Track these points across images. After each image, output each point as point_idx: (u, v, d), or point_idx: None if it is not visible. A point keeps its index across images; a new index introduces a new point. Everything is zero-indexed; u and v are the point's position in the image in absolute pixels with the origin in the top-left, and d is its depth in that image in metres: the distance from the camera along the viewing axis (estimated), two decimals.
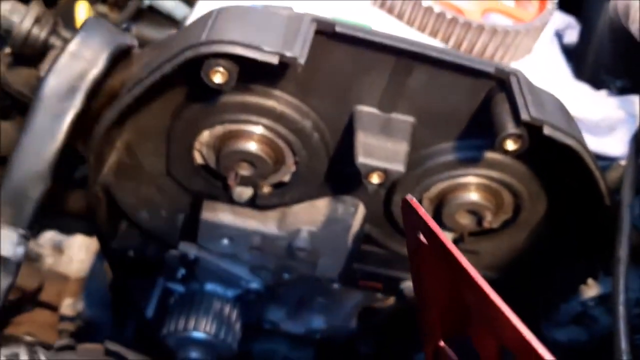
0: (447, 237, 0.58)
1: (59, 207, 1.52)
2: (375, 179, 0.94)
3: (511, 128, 0.85)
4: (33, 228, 0.87)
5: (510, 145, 0.86)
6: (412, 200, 0.65)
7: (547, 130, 0.85)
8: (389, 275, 1.34)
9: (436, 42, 1.17)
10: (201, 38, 0.81)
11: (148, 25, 1.51)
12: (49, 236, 1.53)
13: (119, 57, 0.99)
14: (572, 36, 1.86)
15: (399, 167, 0.93)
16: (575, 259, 1.14)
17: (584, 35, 1.82)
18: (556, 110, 0.92)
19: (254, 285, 1.48)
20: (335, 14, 1.11)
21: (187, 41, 0.82)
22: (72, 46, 0.87)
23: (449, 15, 1.13)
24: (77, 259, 1.51)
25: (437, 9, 1.14)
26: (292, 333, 1.74)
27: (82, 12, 0.99)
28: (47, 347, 1.10)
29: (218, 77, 0.82)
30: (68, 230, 1.62)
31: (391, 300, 1.55)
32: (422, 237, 0.64)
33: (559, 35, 1.72)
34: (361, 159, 0.92)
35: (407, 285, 1.36)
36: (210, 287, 1.52)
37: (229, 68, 0.81)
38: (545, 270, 1.20)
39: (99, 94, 0.99)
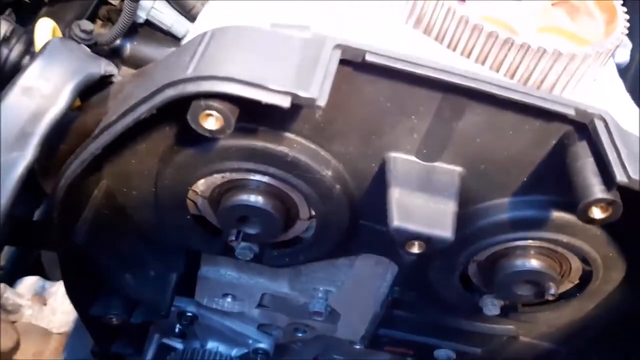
0: None
1: (39, 244, 1.34)
2: (414, 248, 0.73)
3: (600, 192, 0.63)
4: None
5: (598, 213, 0.65)
6: None
7: None
8: (421, 342, 1.13)
9: (485, 70, 0.96)
10: (187, 72, 0.61)
11: (145, 43, 1.32)
12: (30, 282, 1.35)
13: (94, 88, 0.79)
14: (623, 55, 1.64)
15: (446, 233, 0.72)
16: None
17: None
18: None
19: (263, 345, 1.28)
20: (361, 36, 0.91)
21: (170, 75, 0.62)
22: (26, 78, 0.68)
23: (503, 36, 0.91)
24: (61, 309, 1.32)
25: (487, 27, 0.93)
26: None
27: (43, 32, 0.79)
28: None
29: (211, 123, 0.62)
30: (53, 274, 1.43)
31: None
32: None
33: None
34: (397, 223, 0.72)
35: (443, 353, 1.15)
36: (212, 345, 1.32)
37: (225, 111, 0.61)
38: (616, 349, 0.98)
39: (68, 134, 0.80)
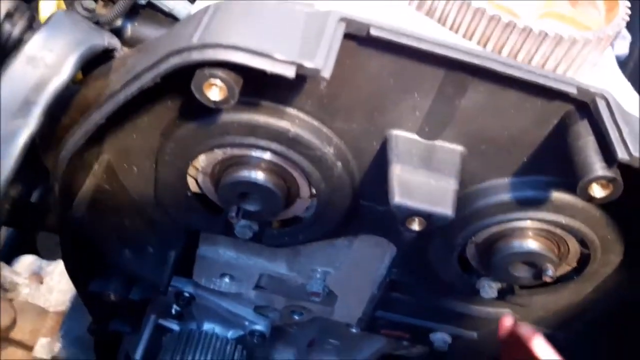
0: None
1: (37, 224, 1.34)
2: (415, 225, 0.74)
3: (601, 169, 0.64)
4: None
5: (598, 191, 0.66)
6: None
7: None
8: (418, 325, 1.13)
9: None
10: (192, 40, 0.61)
11: (146, 24, 1.30)
12: (28, 261, 1.34)
13: (97, 61, 0.79)
14: (622, 47, 1.64)
15: (446, 210, 0.72)
16: None
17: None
18: None
19: (259, 327, 1.29)
20: (364, 14, 0.91)
21: (174, 44, 0.62)
22: (30, 48, 0.68)
23: (504, 19, 0.91)
24: (58, 288, 1.31)
25: (490, 11, 0.93)
26: None
27: (47, 6, 0.79)
28: None
29: (214, 93, 0.62)
30: (50, 253, 1.43)
31: (418, 348, 1.34)
32: None
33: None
34: (398, 200, 0.72)
35: (439, 336, 1.15)
36: (208, 326, 1.33)
37: (229, 81, 0.61)
38: (615, 333, 0.99)
39: (69, 107, 0.80)
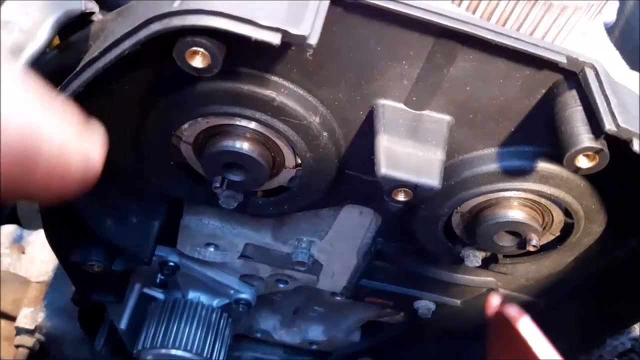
0: None
1: None
2: (401, 196, 0.73)
3: (588, 140, 0.63)
4: None
5: (584, 162, 0.65)
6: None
7: (637, 146, 0.63)
8: (401, 293, 1.14)
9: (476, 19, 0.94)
10: (173, 5, 0.58)
11: None
12: (9, 231, 1.32)
13: (74, 26, 0.76)
14: (610, 13, 1.63)
15: (433, 182, 0.72)
16: (635, 290, 0.94)
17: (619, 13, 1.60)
18: None
19: (244, 295, 1.29)
20: None
21: (155, 9, 0.59)
22: (4, 11, 0.65)
23: None
24: (40, 258, 1.30)
25: None
26: (286, 343, 1.56)
27: None
28: None
29: (197, 60, 0.61)
30: (32, 222, 1.41)
31: (402, 315, 1.36)
32: None
33: None
34: (384, 170, 0.71)
35: (423, 304, 1.16)
36: (193, 295, 1.33)
37: (212, 48, 0.59)
38: (594, 300, 1.00)
39: (46, 74, 0.77)
